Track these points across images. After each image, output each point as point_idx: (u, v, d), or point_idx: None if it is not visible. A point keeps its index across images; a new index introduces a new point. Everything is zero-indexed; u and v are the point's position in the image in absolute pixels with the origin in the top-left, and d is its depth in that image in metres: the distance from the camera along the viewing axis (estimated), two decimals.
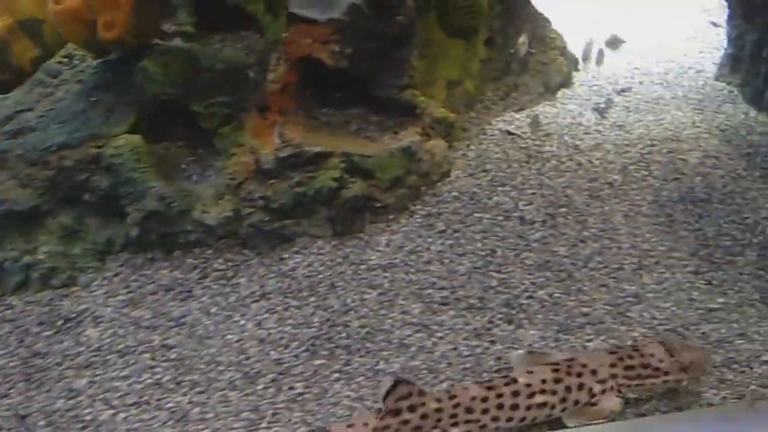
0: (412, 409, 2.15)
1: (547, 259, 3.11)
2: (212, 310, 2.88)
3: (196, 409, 2.46)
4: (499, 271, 3.06)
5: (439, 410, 2.17)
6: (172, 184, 3.19)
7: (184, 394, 2.52)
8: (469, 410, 2.19)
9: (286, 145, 3.29)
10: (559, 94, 4.65)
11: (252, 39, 3.62)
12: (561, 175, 3.67)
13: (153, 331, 2.81)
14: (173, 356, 2.70)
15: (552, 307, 2.86)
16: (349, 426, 2.17)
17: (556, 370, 2.30)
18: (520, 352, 2.55)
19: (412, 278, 3.03)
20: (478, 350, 2.67)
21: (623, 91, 4.54)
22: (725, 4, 4.69)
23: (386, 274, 3.04)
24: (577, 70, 5.00)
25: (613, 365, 2.35)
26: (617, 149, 3.90)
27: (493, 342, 2.71)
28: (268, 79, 3.48)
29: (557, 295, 2.92)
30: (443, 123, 3.85)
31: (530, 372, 2.30)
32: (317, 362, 2.63)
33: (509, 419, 2.23)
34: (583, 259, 3.10)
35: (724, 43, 4.74)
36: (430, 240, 3.24)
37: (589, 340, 2.69)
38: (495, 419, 2.21)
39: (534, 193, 3.52)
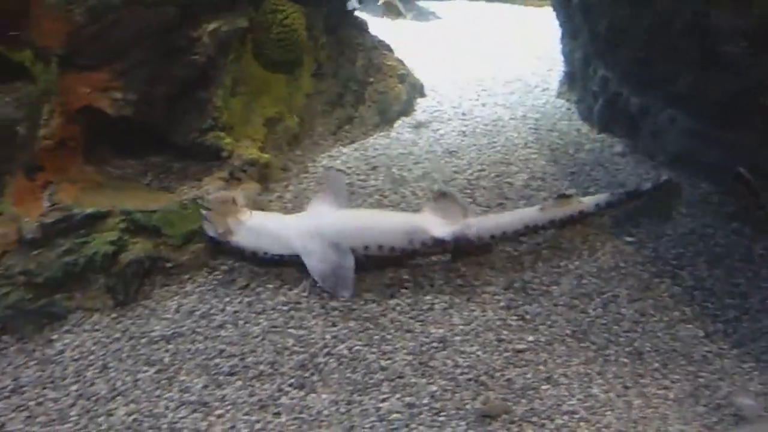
0: None
1: (352, 308, 2.83)
2: None
3: None
4: (300, 327, 2.75)
5: None
6: None
7: None
8: None
9: (53, 209, 2.89)
10: (398, 123, 4.47)
11: (24, 90, 3.23)
12: None
13: None
14: None
15: (350, 363, 2.57)
16: None
17: None
18: None
19: (199, 347, 2.67)
20: (258, 426, 2.34)
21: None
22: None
23: (169, 346, 2.67)
24: (423, 96, 4.88)
25: None
26: (445, 178, 3.71)
27: (277, 414, 2.38)
28: (39, 134, 3.12)
29: (357, 348, 2.64)
30: (255, 164, 3.56)
31: None
32: None
33: None
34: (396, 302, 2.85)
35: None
36: (227, 299, 2.90)
37: (384, 400, 2.41)
38: None
39: None
